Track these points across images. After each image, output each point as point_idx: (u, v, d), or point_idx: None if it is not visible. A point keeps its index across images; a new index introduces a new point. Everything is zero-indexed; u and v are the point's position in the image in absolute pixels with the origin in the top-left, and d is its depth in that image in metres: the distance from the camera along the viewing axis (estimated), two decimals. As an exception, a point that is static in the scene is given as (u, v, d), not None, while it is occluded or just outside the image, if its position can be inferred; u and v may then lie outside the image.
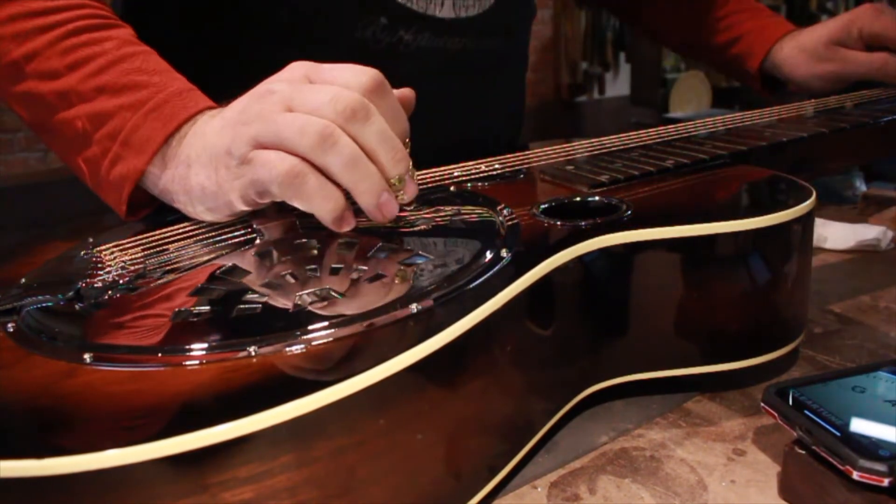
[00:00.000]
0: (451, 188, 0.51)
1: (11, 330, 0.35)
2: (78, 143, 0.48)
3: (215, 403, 0.29)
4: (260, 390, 0.29)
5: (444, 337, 0.31)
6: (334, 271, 0.39)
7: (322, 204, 0.41)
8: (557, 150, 0.59)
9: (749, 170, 0.52)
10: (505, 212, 0.45)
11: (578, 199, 0.48)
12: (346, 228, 0.43)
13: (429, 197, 0.50)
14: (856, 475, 0.31)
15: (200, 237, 0.45)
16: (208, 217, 0.46)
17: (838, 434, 0.33)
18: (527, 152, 0.59)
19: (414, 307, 0.34)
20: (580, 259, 0.40)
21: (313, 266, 0.40)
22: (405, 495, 0.31)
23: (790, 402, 0.36)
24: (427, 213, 0.46)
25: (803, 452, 0.34)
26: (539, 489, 0.37)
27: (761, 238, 0.43)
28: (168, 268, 0.41)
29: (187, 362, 0.31)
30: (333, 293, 0.36)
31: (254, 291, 0.37)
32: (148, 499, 0.26)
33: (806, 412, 0.35)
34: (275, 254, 0.42)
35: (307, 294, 0.36)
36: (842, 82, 0.77)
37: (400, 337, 0.32)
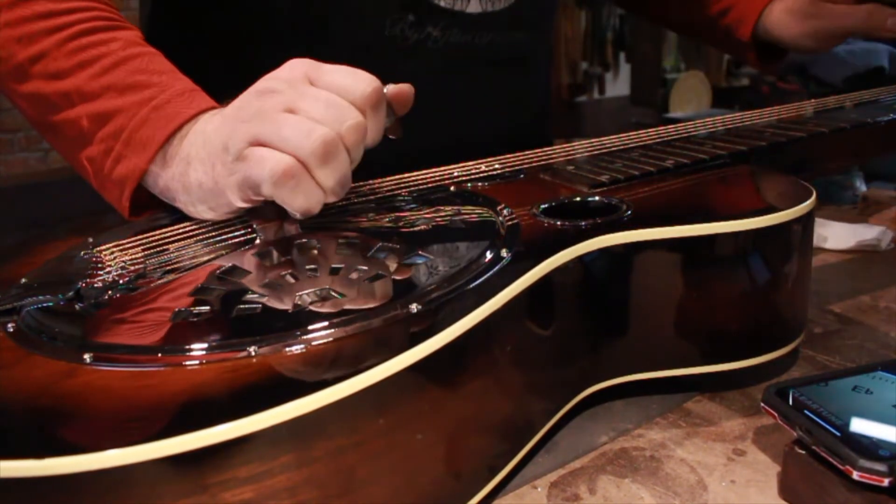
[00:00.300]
0: (451, 188, 0.51)
1: (11, 330, 0.35)
2: (82, 142, 0.48)
3: (215, 403, 0.29)
4: (260, 390, 0.29)
5: (444, 337, 0.31)
6: (334, 271, 0.39)
7: (309, 204, 0.42)
8: (557, 150, 0.59)
9: (749, 170, 0.52)
10: (505, 212, 0.45)
11: (578, 199, 0.48)
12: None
13: (429, 197, 0.50)
14: (856, 475, 0.31)
15: (200, 237, 0.45)
16: (209, 216, 0.46)
17: (838, 434, 0.33)
18: (526, 152, 0.58)
19: (414, 307, 0.34)
20: (580, 259, 0.40)
21: (313, 266, 0.40)
22: (405, 495, 0.31)
23: (790, 402, 0.36)
24: (427, 213, 0.46)
25: (803, 452, 0.34)
26: (539, 489, 0.37)
27: (761, 238, 0.43)
28: (168, 268, 0.41)
29: (187, 362, 0.31)
30: (333, 293, 0.36)
31: (254, 291, 0.37)
32: (148, 499, 0.26)
33: (806, 412, 0.35)
34: (275, 254, 0.42)
35: (307, 294, 0.36)
36: (832, 38, 0.76)
37: (400, 337, 0.32)
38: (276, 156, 0.40)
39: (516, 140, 0.61)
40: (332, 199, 0.43)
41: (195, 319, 0.35)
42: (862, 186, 0.82)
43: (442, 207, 0.47)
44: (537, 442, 0.39)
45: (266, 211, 0.46)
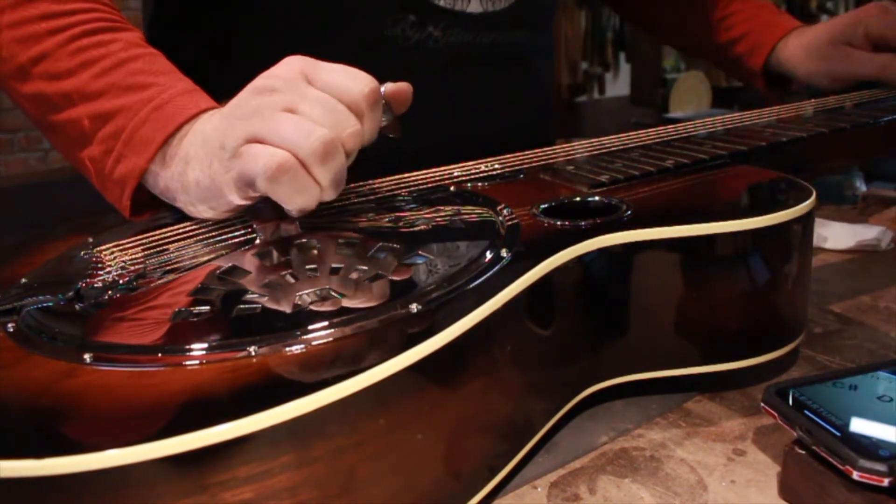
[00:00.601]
0: (451, 188, 0.51)
1: (11, 330, 0.35)
2: (83, 142, 0.48)
3: (215, 403, 0.29)
4: (260, 390, 0.29)
5: (444, 337, 0.31)
6: (334, 271, 0.39)
7: (300, 201, 0.42)
8: (557, 150, 0.59)
9: (749, 170, 0.52)
10: (505, 212, 0.45)
11: (578, 199, 0.48)
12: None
13: (429, 197, 0.50)
14: (856, 475, 0.31)
15: (200, 237, 0.45)
16: (209, 215, 0.46)
17: (838, 434, 0.33)
18: (526, 152, 0.59)
19: (414, 307, 0.34)
20: (580, 259, 0.40)
21: (313, 266, 0.40)
22: (405, 495, 0.31)
23: (790, 402, 0.36)
24: (427, 213, 0.46)
25: (803, 452, 0.34)
26: (539, 489, 0.37)
27: (761, 238, 0.43)
28: (168, 268, 0.41)
29: (187, 362, 0.31)
30: (333, 293, 0.36)
31: (254, 291, 0.37)
32: (148, 499, 0.26)
33: (806, 412, 0.35)
34: (275, 254, 0.42)
35: (307, 294, 0.36)
36: (846, 81, 0.77)
37: (400, 337, 0.32)
38: (271, 150, 0.40)
39: (517, 140, 0.61)
40: (327, 198, 0.43)
41: (195, 319, 0.35)
42: (862, 186, 0.81)
43: (442, 207, 0.47)
44: (537, 442, 0.39)
45: (266, 211, 0.46)
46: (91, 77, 0.47)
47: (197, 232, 0.46)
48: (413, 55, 0.64)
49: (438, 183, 0.53)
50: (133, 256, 0.43)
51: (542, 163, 0.57)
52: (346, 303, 0.35)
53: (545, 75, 0.82)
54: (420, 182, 0.53)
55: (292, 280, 0.38)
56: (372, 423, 0.29)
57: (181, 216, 0.48)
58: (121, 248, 0.45)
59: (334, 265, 0.40)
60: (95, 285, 0.39)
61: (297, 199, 0.42)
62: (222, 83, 0.48)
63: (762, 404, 0.37)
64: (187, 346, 0.32)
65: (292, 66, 0.44)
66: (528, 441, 0.38)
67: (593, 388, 0.43)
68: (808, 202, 0.44)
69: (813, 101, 0.71)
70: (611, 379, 0.44)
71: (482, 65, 0.69)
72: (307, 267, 0.40)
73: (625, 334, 0.43)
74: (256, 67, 0.45)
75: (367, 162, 0.44)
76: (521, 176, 0.54)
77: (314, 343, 0.32)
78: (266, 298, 0.36)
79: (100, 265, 0.42)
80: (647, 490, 0.37)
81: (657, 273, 0.42)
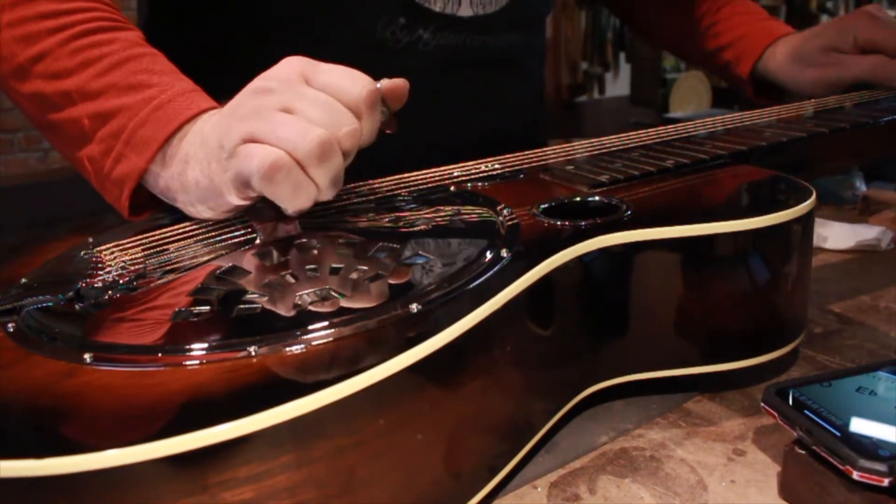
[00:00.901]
0: (451, 188, 0.51)
1: (11, 330, 0.35)
2: (82, 142, 0.48)
3: (215, 403, 0.29)
4: (260, 390, 0.29)
5: (444, 337, 0.31)
6: (334, 271, 0.39)
7: (300, 201, 0.42)
8: (557, 150, 0.59)
9: (749, 170, 0.52)
10: (505, 212, 0.45)
11: (578, 199, 0.48)
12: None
13: (429, 197, 0.50)
14: (856, 475, 0.31)
15: (200, 237, 0.45)
16: (208, 215, 0.46)
17: (838, 434, 0.33)
18: (526, 152, 0.59)
19: (414, 307, 0.34)
20: (580, 259, 0.40)
21: (313, 266, 0.40)
22: (405, 495, 0.31)
23: (790, 402, 0.36)
24: (427, 213, 0.46)
25: (803, 452, 0.34)
26: (539, 489, 0.37)
27: (761, 238, 0.43)
28: (168, 268, 0.41)
29: (187, 362, 0.31)
30: (333, 293, 0.36)
31: (254, 291, 0.37)
32: (148, 499, 0.26)
33: (806, 412, 0.35)
34: (275, 254, 0.42)
35: (307, 294, 0.36)
36: (837, 86, 0.76)
37: (400, 337, 0.32)
38: (266, 149, 0.40)
39: (508, 141, 0.61)
40: (325, 198, 0.43)
41: (195, 319, 0.35)
42: (862, 186, 0.81)
43: (442, 207, 0.47)
44: (537, 442, 0.39)
45: (265, 211, 0.46)
46: (91, 76, 0.47)
47: (197, 232, 0.46)
48: (403, 58, 0.64)
49: (438, 183, 0.53)
50: (133, 256, 0.43)
51: (543, 163, 0.57)
52: (346, 303, 0.35)
53: (536, 77, 0.81)
54: (420, 182, 0.53)
55: (292, 280, 0.38)
56: (372, 423, 0.29)
57: (181, 216, 0.48)
58: (121, 248, 0.45)
59: (334, 265, 0.40)
60: (95, 285, 0.39)
61: (292, 198, 0.42)
62: (215, 84, 0.49)
63: (762, 404, 0.37)
64: (187, 346, 0.32)
65: (291, 67, 0.44)
66: (528, 441, 0.38)
67: (593, 388, 0.43)
68: (808, 202, 0.44)
69: (813, 101, 0.71)
70: (611, 379, 0.44)
71: (472, 67, 0.69)
72: (307, 267, 0.40)
73: (625, 334, 0.43)
74: (248, 68, 0.45)
75: (357, 162, 0.44)
76: (521, 176, 0.54)
77: (314, 343, 0.32)
78: (266, 298, 0.36)
79: (100, 265, 0.42)
80: (647, 490, 0.37)
81: (657, 273, 0.42)
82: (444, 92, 0.50)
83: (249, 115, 0.42)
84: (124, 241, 0.46)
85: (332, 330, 0.32)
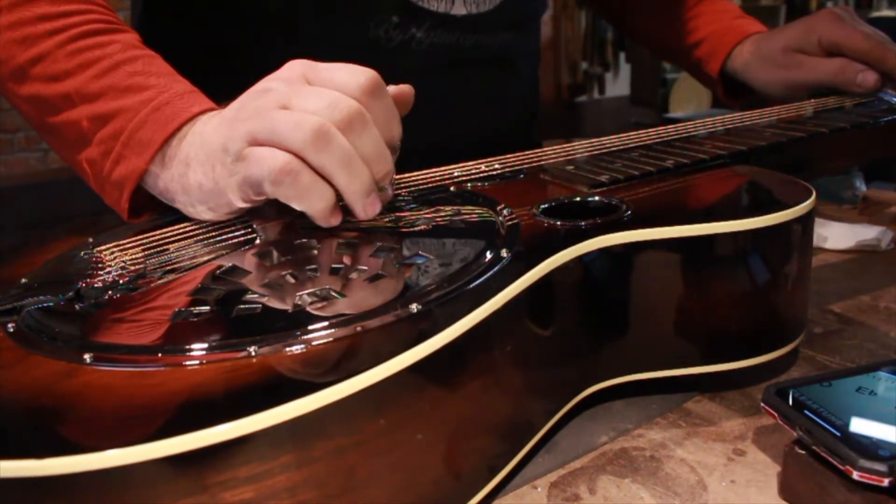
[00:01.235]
0: (451, 188, 0.51)
1: (11, 330, 0.35)
2: (81, 144, 0.48)
3: (215, 403, 0.29)
4: (260, 390, 0.29)
5: (444, 337, 0.31)
6: (334, 271, 0.39)
7: (314, 202, 0.42)
8: (557, 150, 0.59)
9: (749, 170, 0.52)
10: (505, 212, 0.45)
11: (578, 199, 0.48)
12: (334, 223, 0.43)
13: (429, 197, 0.50)
14: (856, 475, 0.31)
15: (200, 237, 0.45)
16: (209, 216, 0.46)
17: (838, 434, 0.33)
18: (526, 152, 0.59)
19: (414, 307, 0.34)
20: (580, 259, 0.40)
21: (313, 266, 0.40)
22: (405, 495, 0.31)
23: (790, 402, 0.36)
24: (427, 213, 0.46)
25: (803, 452, 0.34)
26: (539, 489, 0.37)
27: (761, 238, 0.43)
28: (168, 268, 0.41)
29: (187, 362, 0.31)
30: (333, 293, 0.36)
31: (254, 292, 0.37)
32: (148, 499, 0.26)
33: (806, 412, 0.35)
34: (275, 254, 0.42)
35: (307, 294, 0.36)
36: (801, 89, 0.75)
37: (400, 337, 0.32)
38: (274, 153, 0.40)
39: (501, 141, 0.61)
40: (353, 198, 0.42)
41: (195, 319, 0.35)
42: (862, 186, 0.81)
43: (442, 207, 0.47)
44: (537, 442, 0.39)
45: (266, 211, 0.46)
46: (90, 78, 0.47)
47: (197, 232, 0.46)
48: (396, 57, 0.64)
49: (438, 183, 0.53)
50: (133, 256, 0.43)
51: (543, 163, 0.57)
52: (346, 303, 0.35)
53: (530, 76, 0.81)
54: (420, 182, 0.53)
55: (292, 280, 0.38)
56: (372, 423, 0.29)
57: (181, 216, 0.48)
58: (121, 248, 0.45)
59: (334, 265, 0.40)
60: (95, 285, 0.39)
61: (306, 199, 0.42)
62: (207, 84, 0.49)
63: (762, 404, 0.37)
64: (187, 347, 0.32)
65: (293, 70, 0.44)
66: (528, 441, 0.38)
67: (593, 388, 0.43)
68: (808, 202, 0.44)
69: (813, 101, 0.70)
70: (611, 379, 0.44)
71: (466, 66, 0.69)
72: (307, 267, 0.40)
73: (625, 334, 0.43)
74: (240, 68, 0.45)
75: None
76: (521, 176, 0.54)
77: (314, 343, 0.32)
78: (266, 298, 0.36)
79: (100, 265, 0.42)
80: (647, 490, 0.37)
81: (657, 273, 0.42)
82: (437, 91, 0.50)
83: (250, 116, 0.42)
84: (124, 242, 0.46)
85: (332, 330, 0.32)
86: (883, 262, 0.66)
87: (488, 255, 0.39)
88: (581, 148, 0.60)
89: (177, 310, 0.36)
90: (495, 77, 0.73)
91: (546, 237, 0.42)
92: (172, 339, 0.33)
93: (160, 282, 0.39)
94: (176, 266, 0.41)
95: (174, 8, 0.68)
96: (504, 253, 0.39)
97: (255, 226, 0.45)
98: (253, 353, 0.31)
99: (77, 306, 0.37)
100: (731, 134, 0.60)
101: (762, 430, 0.41)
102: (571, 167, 0.54)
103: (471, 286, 0.36)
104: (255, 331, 0.33)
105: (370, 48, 0.63)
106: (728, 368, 0.44)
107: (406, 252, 0.41)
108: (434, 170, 0.55)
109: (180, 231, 0.46)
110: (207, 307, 0.36)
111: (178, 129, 0.46)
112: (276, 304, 0.36)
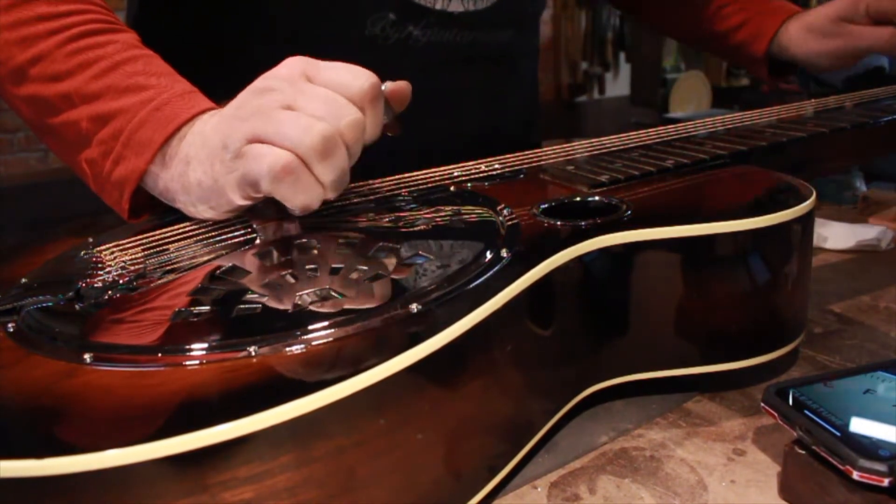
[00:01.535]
0: (451, 188, 0.51)
1: (11, 330, 0.35)
2: (81, 145, 0.48)
3: (215, 403, 0.29)
4: (260, 390, 0.29)
5: (444, 337, 0.31)
6: (334, 271, 0.39)
7: (304, 199, 0.42)
8: (557, 150, 0.59)
9: (749, 170, 0.52)
10: (505, 212, 0.45)
11: (578, 199, 0.48)
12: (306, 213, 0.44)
13: (429, 197, 0.50)
14: (856, 475, 0.31)
15: (200, 237, 0.45)
16: (209, 215, 0.46)
17: (838, 434, 0.33)
18: (526, 152, 0.59)
19: (414, 307, 0.34)
20: (580, 259, 0.40)
21: (313, 266, 0.40)
22: (405, 495, 0.31)
23: (790, 402, 0.36)
24: (427, 213, 0.46)
25: (803, 452, 0.34)
26: (539, 489, 0.37)
27: (761, 238, 0.43)
28: (168, 268, 0.41)
29: (187, 362, 0.31)
30: (333, 293, 0.36)
31: (254, 291, 0.37)
32: (148, 499, 0.26)
33: (806, 412, 0.35)
34: (275, 254, 0.42)
35: (307, 294, 0.36)
36: (850, 58, 0.77)
37: (400, 337, 0.32)
38: (275, 151, 0.41)
39: (500, 140, 0.61)
40: (331, 196, 0.43)
41: (195, 319, 0.35)
42: (862, 186, 0.82)
43: (442, 207, 0.47)
44: (537, 442, 0.39)
45: (266, 211, 0.46)
46: (89, 78, 0.47)
47: (197, 232, 0.46)
48: (394, 55, 0.64)
49: (438, 183, 0.53)
50: (133, 256, 0.43)
51: (542, 163, 0.57)
52: (347, 303, 0.35)
53: (530, 76, 0.81)
54: (420, 182, 0.53)
55: (292, 280, 0.38)
56: (372, 423, 0.29)
57: (181, 216, 0.48)
58: (121, 248, 0.45)
59: (334, 265, 0.40)
60: (95, 285, 0.39)
61: (299, 197, 0.42)
62: (204, 82, 0.49)
63: (762, 404, 0.37)
64: (187, 347, 0.32)
65: (293, 67, 0.44)
66: (528, 441, 0.38)
67: (593, 388, 0.43)
68: (808, 202, 0.44)
69: (813, 101, 0.70)
70: (611, 379, 0.44)
71: (463, 64, 0.69)
72: (307, 267, 0.40)
73: (625, 334, 0.43)
74: (237, 67, 0.45)
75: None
76: (521, 176, 0.54)
77: (314, 343, 0.32)
78: (266, 298, 0.36)
79: (100, 265, 0.42)
80: (647, 490, 0.37)
81: (657, 273, 0.42)
82: (435, 89, 0.50)
83: (252, 114, 0.42)
84: (124, 242, 0.46)
85: (332, 330, 0.32)
86: (883, 262, 0.66)
87: (488, 255, 0.39)
88: (581, 148, 0.60)
89: (177, 310, 0.36)
90: (494, 76, 0.73)
91: (546, 237, 0.42)
92: (172, 339, 0.33)
93: (160, 282, 0.39)
94: (176, 266, 0.41)
95: (170, 7, 0.68)
96: (504, 253, 0.39)
97: (255, 226, 0.45)
98: (253, 353, 0.31)
99: (77, 306, 0.37)
100: (731, 134, 0.60)
101: (762, 430, 0.41)
102: (571, 167, 0.54)
103: (471, 286, 0.36)
104: (254, 331, 0.33)
105: (367, 46, 0.63)
106: (728, 368, 0.44)
107: (406, 252, 0.41)
108: (434, 170, 0.55)
109: (180, 231, 0.46)
110: (207, 307, 0.36)
111: (178, 129, 0.46)
112: (275, 304, 0.36)
